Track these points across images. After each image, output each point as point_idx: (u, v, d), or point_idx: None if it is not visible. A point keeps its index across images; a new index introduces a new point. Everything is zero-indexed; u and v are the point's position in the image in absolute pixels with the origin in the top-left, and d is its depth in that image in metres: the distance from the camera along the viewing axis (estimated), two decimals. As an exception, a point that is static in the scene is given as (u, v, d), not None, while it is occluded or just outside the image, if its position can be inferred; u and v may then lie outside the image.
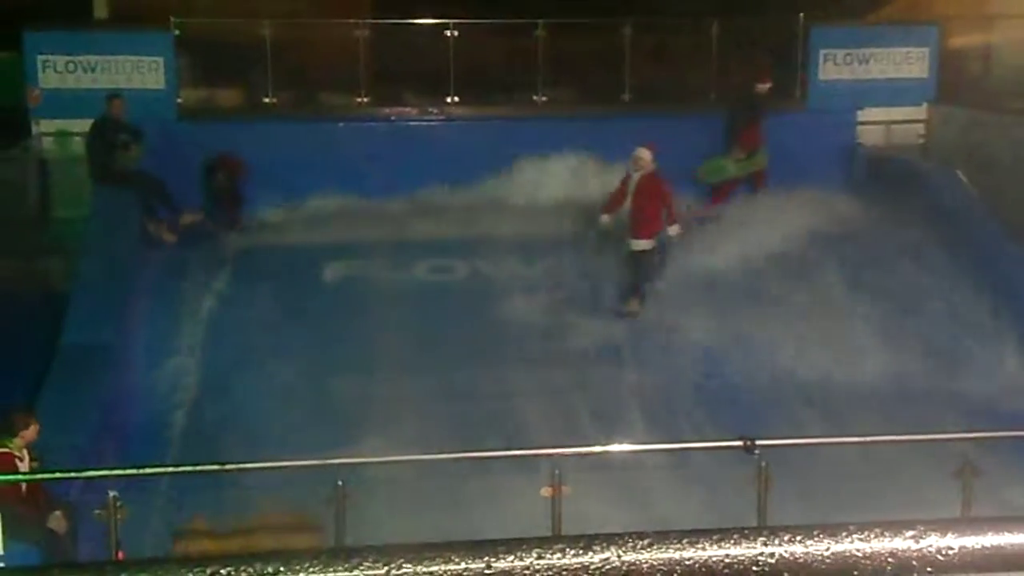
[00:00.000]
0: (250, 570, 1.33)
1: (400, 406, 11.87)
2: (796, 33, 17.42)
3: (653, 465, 10.21)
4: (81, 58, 15.95)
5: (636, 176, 14.22)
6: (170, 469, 9.39)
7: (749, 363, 13.08)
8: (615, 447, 9.55)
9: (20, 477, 8.31)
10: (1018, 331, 13.57)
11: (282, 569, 1.34)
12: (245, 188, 15.63)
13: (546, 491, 7.79)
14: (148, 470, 9.18)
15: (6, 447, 8.31)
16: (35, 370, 11.41)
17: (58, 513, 8.28)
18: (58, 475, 8.37)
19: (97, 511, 7.60)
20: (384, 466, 9.62)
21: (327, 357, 12.76)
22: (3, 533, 7.24)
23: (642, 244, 14.14)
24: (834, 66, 17.51)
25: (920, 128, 17.39)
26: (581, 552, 1.42)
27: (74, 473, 8.75)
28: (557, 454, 8.27)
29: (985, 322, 13.81)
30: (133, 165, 14.86)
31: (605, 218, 14.50)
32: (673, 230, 14.23)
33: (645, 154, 14.13)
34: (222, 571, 1.34)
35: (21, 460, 8.35)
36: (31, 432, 8.45)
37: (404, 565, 1.36)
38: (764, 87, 16.25)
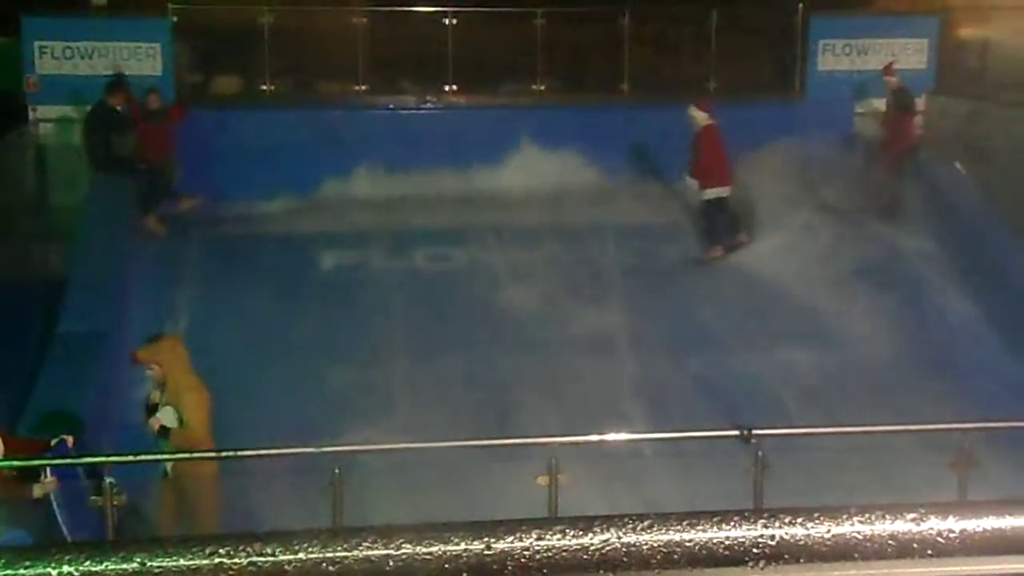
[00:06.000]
0: (249, 549, 1.33)
1: (400, 396, 11.89)
2: (795, 23, 17.38)
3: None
4: (78, 44, 15.90)
5: (694, 131, 14.85)
6: (166, 456, 9.34)
7: None
8: (611, 436, 9.52)
9: (16, 464, 8.28)
10: (1007, 322, 13.64)
11: (280, 549, 1.33)
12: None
13: (542, 480, 7.79)
14: (144, 457, 9.14)
15: None
16: (31, 358, 11.39)
17: (46, 480, 7.99)
18: (56, 462, 8.33)
19: (93, 497, 7.58)
20: (378, 454, 9.61)
21: (325, 347, 12.73)
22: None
23: (715, 192, 14.78)
24: (833, 56, 17.47)
25: (919, 119, 17.36)
26: (581, 534, 1.41)
27: (70, 460, 8.72)
28: (553, 443, 8.26)
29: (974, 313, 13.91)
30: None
31: (690, 180, 15.03)
32: (692, 183, 14.85)
33: (695, 112, 14.85)
34: (220, 551, 1.33)
35: None
36: None
37: (404, 545, 1.35)
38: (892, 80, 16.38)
